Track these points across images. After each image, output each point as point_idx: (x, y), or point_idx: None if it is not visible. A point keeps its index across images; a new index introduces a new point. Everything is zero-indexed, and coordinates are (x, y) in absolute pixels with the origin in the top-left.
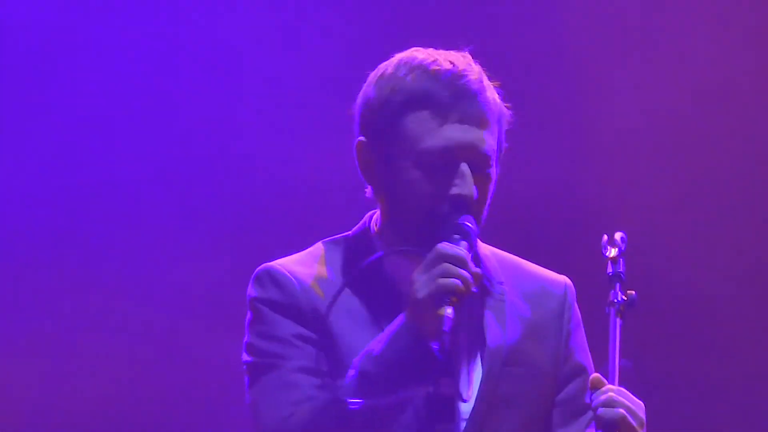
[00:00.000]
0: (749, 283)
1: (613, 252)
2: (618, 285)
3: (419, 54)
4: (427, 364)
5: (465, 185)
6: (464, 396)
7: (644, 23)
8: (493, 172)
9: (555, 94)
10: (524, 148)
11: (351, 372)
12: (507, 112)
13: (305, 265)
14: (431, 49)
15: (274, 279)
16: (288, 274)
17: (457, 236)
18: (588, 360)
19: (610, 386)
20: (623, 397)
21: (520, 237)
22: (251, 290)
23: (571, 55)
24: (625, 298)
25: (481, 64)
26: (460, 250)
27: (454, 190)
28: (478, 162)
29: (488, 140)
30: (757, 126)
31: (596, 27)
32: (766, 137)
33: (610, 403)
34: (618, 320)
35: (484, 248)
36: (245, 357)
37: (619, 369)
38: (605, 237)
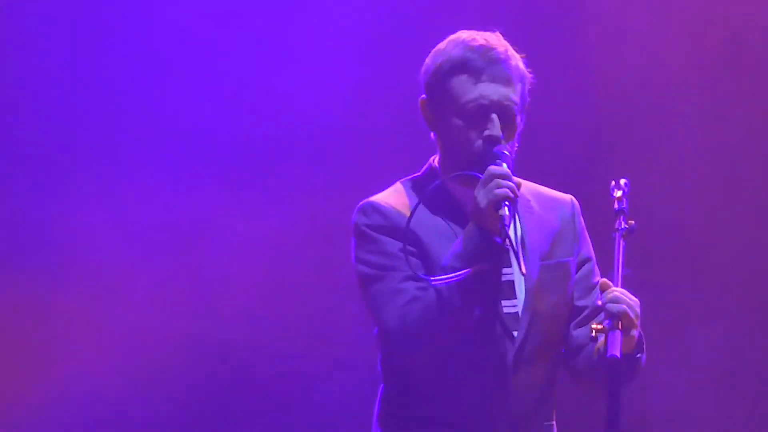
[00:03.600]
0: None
1: (618, 193)
2: (622, 217)
3: (463, 34)
4: (494, 253)
5: (494, 129)
6: (523, 274)
7: None
8: (518, 120)
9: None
10: (554, 98)
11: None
12: (529, 76)
13: (393, 197)
14: (473, 31)
15: (377, 209)
16: (386, 204)
17: (498, 161)
18: (592, 252)
19: (616, 288)
20: (625, 296)
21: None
22: (359, 219)
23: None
24: (627, 227)
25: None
26: (504, 168)
27: (486, 132)
28: (505, 112)
29: (512, 96)
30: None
31: None
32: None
33: (615, 300)
34: (622, 242)
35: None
36: (360, 268)
37: (622, 277)
38: (612, 182)
